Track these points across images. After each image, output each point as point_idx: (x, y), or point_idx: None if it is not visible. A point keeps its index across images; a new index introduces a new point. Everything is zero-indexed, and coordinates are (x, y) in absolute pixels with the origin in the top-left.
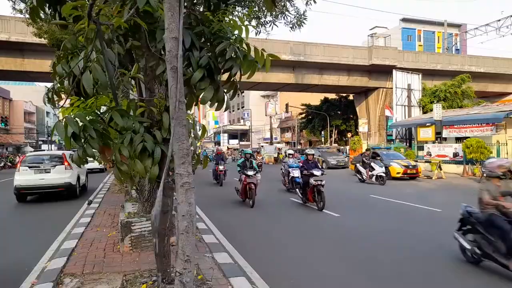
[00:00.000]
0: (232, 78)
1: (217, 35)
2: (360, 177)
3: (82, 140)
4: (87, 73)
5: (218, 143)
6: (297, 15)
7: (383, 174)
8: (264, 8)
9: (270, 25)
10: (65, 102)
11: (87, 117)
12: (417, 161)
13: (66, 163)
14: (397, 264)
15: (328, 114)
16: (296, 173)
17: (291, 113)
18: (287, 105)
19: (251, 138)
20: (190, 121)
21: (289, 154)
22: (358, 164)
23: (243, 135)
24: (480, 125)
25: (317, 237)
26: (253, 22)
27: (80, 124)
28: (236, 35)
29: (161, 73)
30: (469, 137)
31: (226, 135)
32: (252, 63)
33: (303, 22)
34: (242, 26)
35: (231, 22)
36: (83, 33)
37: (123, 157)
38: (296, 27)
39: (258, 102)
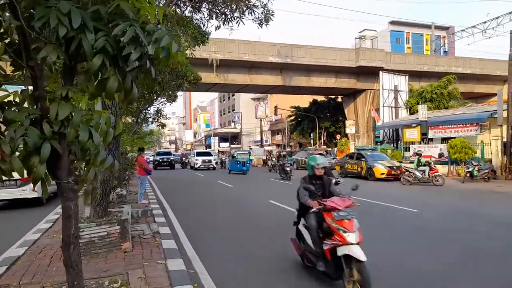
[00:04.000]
0: (143, 68)
1: (116, 15)
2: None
3: None
4: None
5: (208, 146)
6: (264, 11)
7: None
8: (231, 5)
9: (237, 22)
10: None
11: None
12: (402, 162)
13: None
14: None
15: (317, 116)
16: None
17: (281, 116)
18: (276, 107)
19: (241, 141)
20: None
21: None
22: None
23: (234, 138)
24: (464, 125)
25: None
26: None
27: None
28: (142, 17)
29: (46, 57)
30: (454, 138)
31: (216, 138)
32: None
33: (270, 18)
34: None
35: (139, 1)
36: None
37: (4, 154)
38: (263, 23)
39: (249, 105)
